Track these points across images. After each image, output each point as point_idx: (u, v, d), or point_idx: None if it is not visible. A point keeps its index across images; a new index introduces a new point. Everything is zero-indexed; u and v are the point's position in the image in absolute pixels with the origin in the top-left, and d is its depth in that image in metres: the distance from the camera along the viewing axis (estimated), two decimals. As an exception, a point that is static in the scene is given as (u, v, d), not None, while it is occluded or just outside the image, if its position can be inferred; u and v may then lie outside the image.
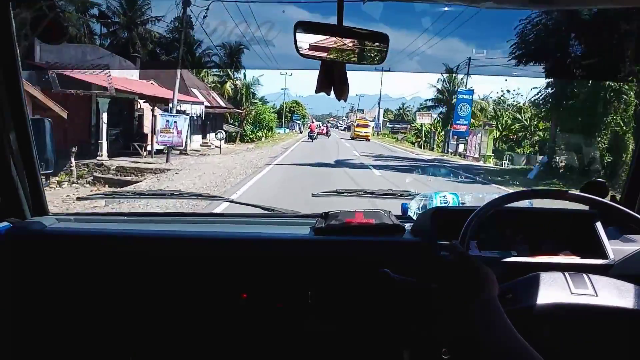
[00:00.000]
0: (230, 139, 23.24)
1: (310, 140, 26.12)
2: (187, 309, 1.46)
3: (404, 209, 1.78)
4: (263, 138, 26.36)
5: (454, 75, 29.50)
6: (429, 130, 32.11)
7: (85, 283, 1.46)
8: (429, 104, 33.89)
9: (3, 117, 1.41)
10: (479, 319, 0.77)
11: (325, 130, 35.15)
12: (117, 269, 1.46)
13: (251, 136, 26.03)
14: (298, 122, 42.72)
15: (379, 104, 41.90)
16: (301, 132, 35.24)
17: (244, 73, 27.19)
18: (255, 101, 28.33)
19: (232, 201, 2.05)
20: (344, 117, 64.21)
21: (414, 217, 1.68)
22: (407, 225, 1.55)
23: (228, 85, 26.54)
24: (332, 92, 1.16)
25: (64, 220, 1.62)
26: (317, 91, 1.15)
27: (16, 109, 1.44)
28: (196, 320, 1.46)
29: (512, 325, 0.75)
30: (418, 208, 1.72)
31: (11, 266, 1.44)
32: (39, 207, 1.59)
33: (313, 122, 33.05)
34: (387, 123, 45.95)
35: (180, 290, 1.45)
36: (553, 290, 1.01)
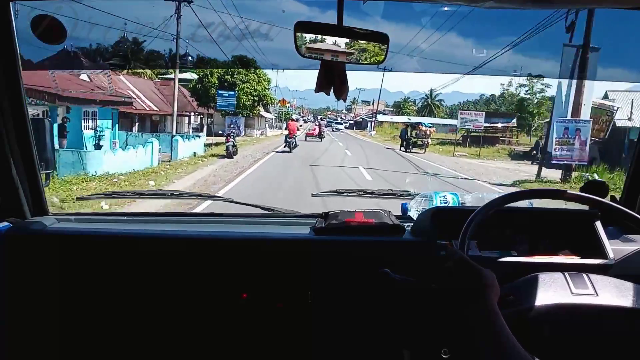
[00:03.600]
0: None
1: (288, 149, 16.06)
2: (187, 309, 1.46)
3: (404, 209, 1.78)
4: None
5: None
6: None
7: (85, 283, 1.46)
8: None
9: (3, 117, 1.41)
10: (477, 326, 0.76)
11: (317, 131, 23.21)
12: (117, 269, 1.46)
13: None
14: (265, 119, 21.51)
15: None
16: (231, 155, 14.39)
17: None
18: None
19: (232, 201, 2.05)
20: (344, 111, 55.06)
21: (414, 217, 1.68)
22: (407, 225, 1.55)
23: None
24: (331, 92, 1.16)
25: (64, 220, 1.62)
26: (316, 91, 1.15)
27: (16, 109, 1.44)
28: (196, 320, 1.46)
29: (510, 333, 0.75)
30: (418, 208, 1.73)
31: (11, 266, 1.44)
32: (39, 207, 1.59)
33: (292, 120, 18.97)
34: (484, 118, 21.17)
35: (180, 290, 1.45)
36: (554, 291, 1.01)
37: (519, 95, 26.52)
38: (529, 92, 25.59)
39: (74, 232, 1.55)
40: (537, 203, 1.49)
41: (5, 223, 1.47)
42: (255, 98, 19.52)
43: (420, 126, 21.56)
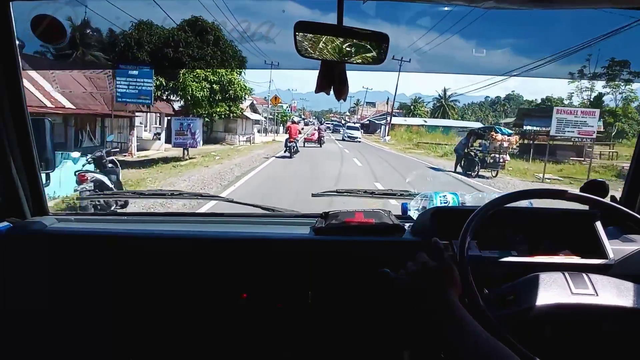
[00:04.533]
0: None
1: (288, 154, 13.50)
2: (187, 309, 1.46)
3: (404, 209, 1.78)
4: None
5: None
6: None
7: (85, 283, 1.46)
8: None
9: (3, 117, 1.41)
10: (443, 321, 0.82)
11: (315, 136, 20.64)
12: (117, 269, 1.46)
13: None
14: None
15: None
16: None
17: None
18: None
19: (232, 201, 2.05)
20: (348, 113, 52.34)
21: (414, 217, 1.68)
22: (407, 225, 1.55)
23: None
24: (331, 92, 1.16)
25: (64, 220, 1.62)
26: (317, 91, 1.15)
27: (16, 109, 1.44)
28: (196, 320, 1.46)
29: (477, 324, 0.79)
30: (418, 208, 1.73)
31: (11, 266, 1.44)
32: (39, 207, 1.59)
33: (294, 122, 17.71)
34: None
35: (180, 291, 1.45)
36: (554, 291, 1.01)
37: (591, 89, 18.67)
38: (609, 84, 18.06)
39: (74, 232, 1.55)
40: (537, 203, 1.49)
41: (5, 223, 1.47)
42: (215, 87, 11.72)
43: (493, 134, 13.26)
